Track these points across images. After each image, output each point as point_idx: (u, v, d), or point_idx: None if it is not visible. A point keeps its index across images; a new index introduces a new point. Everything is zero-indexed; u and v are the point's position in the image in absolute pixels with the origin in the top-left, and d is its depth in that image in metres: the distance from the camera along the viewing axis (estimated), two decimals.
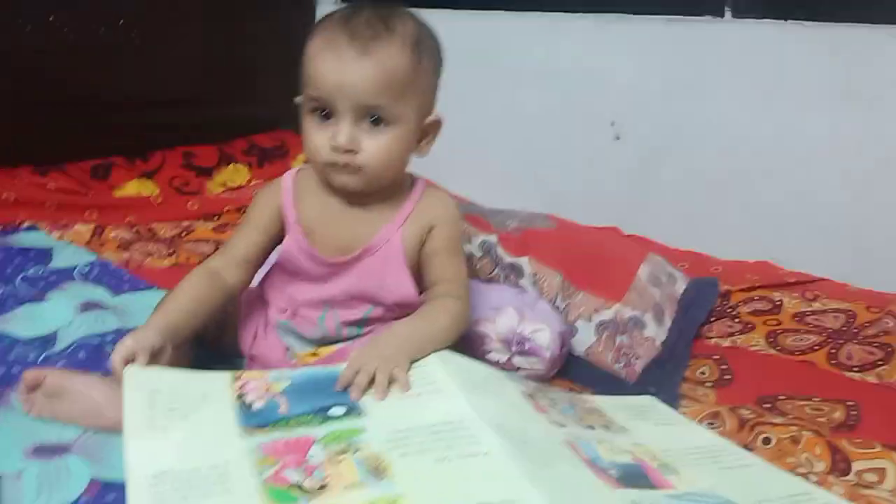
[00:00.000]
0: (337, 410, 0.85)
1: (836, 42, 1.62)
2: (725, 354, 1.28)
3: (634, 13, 1.81)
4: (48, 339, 1.11)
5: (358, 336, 1.02)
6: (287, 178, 1.05)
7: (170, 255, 1.51)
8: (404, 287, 0.99)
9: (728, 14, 1.72)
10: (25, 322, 1.16)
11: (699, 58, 1.76)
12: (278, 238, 1.03)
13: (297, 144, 2.16)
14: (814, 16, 1.63)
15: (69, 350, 1.07)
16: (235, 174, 2.00)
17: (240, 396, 0.86)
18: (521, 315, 1.10)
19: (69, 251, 1.44)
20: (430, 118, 0.99)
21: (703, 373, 1.23)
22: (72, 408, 0.91)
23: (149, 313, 1.18)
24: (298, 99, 1.00)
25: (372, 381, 0.87)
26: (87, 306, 1.21)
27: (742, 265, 1.61)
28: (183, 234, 1.65)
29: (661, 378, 1.15)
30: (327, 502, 0.71)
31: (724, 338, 1.35)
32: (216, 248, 1.57)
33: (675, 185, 1.83)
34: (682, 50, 1.78)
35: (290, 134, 2.21)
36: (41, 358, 1.05)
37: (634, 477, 0.84)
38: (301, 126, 1.00)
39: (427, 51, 0.96)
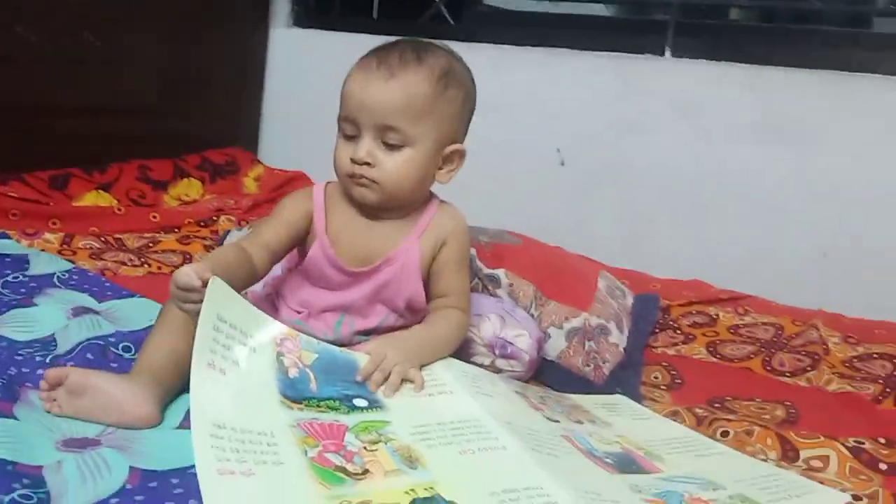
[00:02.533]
0: (361, 402, 0.92)
1: (762, 82, 1.79)
2: (672, 362, 1.41)
3: (582, 48, 1.95)
4: (47, 342, 1.13)
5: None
6: (318, 189, 1.11)
7: (141, 264, 1.54)
8: (418, 295, 1.08)
9: (668, 53, 1.88)
10: (19, 326, 1.17)
11: (640, 92, 1.91)
12: (301, 240, 1.10)
13: (248, 162, 2.22)
14: (745, 58, 1.80)
15: (76, 352, 1.10)
16: (189, 188, 2.04)
17: (279, 356, 0.91)
18: (503, 321, 1.19)
19: (44, 258, 1.44)
20: (453, 147, 1.08)
21: (656, 377, 1.34)
22: (94, 405, 0.94)
23: (139, 319, 1.24)
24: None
25: (387, 379, 0.96)
26: (78, 311, 1.24)
27: (677, 283, 1.75)
28: (150, 245, 1.67)
29: (624, 380, 1.27)
30: (372, 486, 0.79)
31: (669, 347, 1.48)
32: (184, 259, 1.62)
33: (615, 209, 1.96)
34: (624, 84, 1.92)
35: (240, 151, 2.26)
36: (49, 359, 1.08)
37: (627, 463, 0.95)
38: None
39: (455, 83, 1.06)
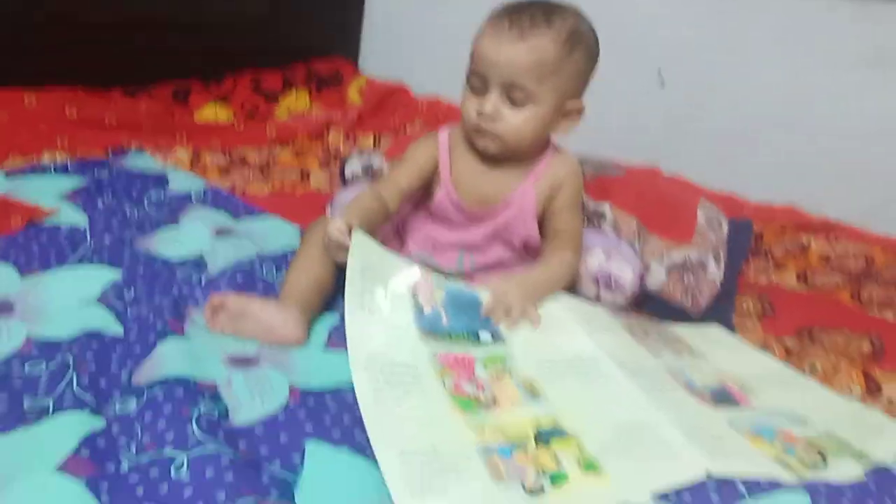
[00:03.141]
0: (486, 336, 1.04)
1: (867, 13, 1.77)
2: (764, 290, 1.48)
3: None
4: (198, 263, 1.26)
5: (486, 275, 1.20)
6: (443, 136, 1.21)
7: (266, 181, 1.66)
8: (533, 235, 1.18)
9: None
10: (169, 244, 1.30)
11: (743, 13, 1.91)
12: (428, 182, 1.20)
13: (350, 72, 2.30)
14: None
15: (228, 275, 1.23)
16: (297, 100, 2.13)
17: (414, 295, 1.03)
18: (608, 255, 1.28)
19: (180, 176, 1.57)
20: (572, 104, 1.15)
21: (747, 307, 1.42)
22: (251, 327, 1.07)
23: (275, 239, 1.37)
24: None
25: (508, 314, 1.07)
26: (220, 231, 1.36)
27: (771, 209, 1.80)
28: (269, 163, 1.79)
29: (719, 312, 1.35)
30: (501, 415, 0.90)
31: (762, 274, 1.55)
32: (302, 176, 1.73)
33: (712, 132, 1.99)
34: (728, 4, 1.92)
35: (342, 60, 2.33)
36: (203, 281, 1.21)
37: (724, 397, 1.05)
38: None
39: (580, 45, 1.12)
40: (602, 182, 1.45)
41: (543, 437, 0.87)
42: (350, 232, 1.01)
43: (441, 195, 1.18)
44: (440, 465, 0.79)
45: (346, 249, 1.00)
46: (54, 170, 1.51)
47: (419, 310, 1.02)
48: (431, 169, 1.19)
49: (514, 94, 1.10)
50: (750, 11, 1.90)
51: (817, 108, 1.87)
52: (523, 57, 1.08)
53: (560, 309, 1.11)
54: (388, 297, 1.00)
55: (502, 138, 1.12)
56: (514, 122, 1.11)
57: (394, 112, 2.20)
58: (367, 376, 0.88)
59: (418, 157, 1.19)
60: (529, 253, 1.21)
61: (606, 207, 1.39)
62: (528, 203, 1.17)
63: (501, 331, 1.05)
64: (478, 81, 1.12)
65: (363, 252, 0.99)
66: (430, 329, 1.00)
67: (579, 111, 1.17)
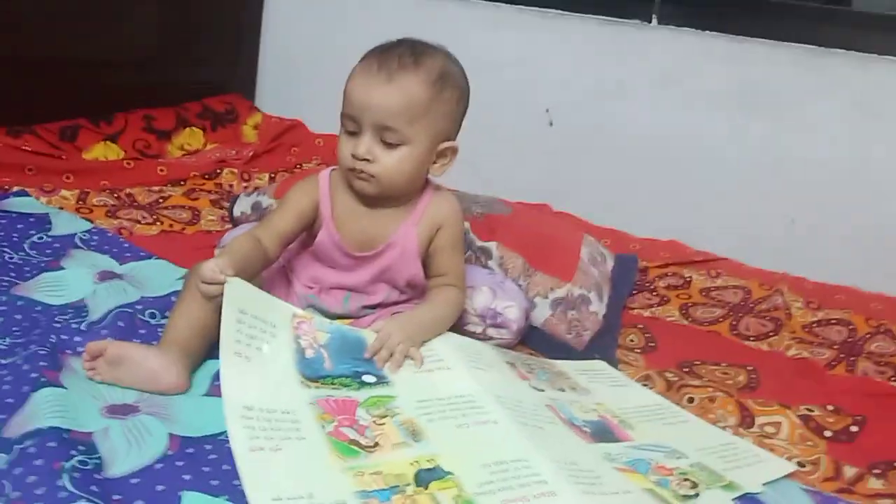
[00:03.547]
0: (369, 378, 1.05)
1: (742, 54, 1.88)
2: (647, 324, 1.53)
3: (573, 11, 2.01)
4: (79, 308, 1.23)
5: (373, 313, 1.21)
6: (324, 177, 1.21)
7: (154, 222, 1.64)
8: (417, 275, 1.20)
9: (655, 20, 1.95)
10: (51, 290, 1.27)
11: (627, 57, 1.99)
12: (309, 225, 1.20)
13: (246, 109, 2.29)
14: (728, 29, 1.88)
15: (107, 319, 1.20)
16: (192, 137, 2.11)
17: (296, 338, 1.03)
18: (494, 293, 1.31)
19: (64, 217, 1.54)
20: (446, 144, 1.17)
21: (631, 340, 1.47)
22: (130, 374, 1.05)
23: (161, 283, 1.35)
24: None
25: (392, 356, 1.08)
26: (104, 275, 1.34)
27: (655, 243, 1.87)
28: (160, 201, 1.77)
29: (602, 346, 1.39)
30: (382, 458, 0.91)
31: (645, 309, 1.60)
32: (193, 216, 1.72)
33: (599, 171, 2.06)
34: (613, 49, 2.00)
35: (238, 98, 2.32)
36: (84, 325, 1.19)
37: (602, 432, 1.08)
38: None
39: (449, 85, 1.15)
40: (490, 220, 1.48)
41: (422, 479, 0.88)
42: (224, 277, 1.00)
43: (323, 236, 1.18)
44: None
45: (218, 289, 0.99)
46: None
47: (301, 353, 1.02)
48: (312, 211, 1.19)
49: (386, 136, 1.12)
50: (631, 54, 1.99)
51: (697, 147, 1.96)
52: (392, 99, 1.10)
53: (444, 348, 1.13)
54: (267, 341, 1.00)
55: (378, 179, 1.13)
56: (388, 163, 1.13)
57: (290, 149, 2.20)
58: (243, 424, 0.88)
59: (298, 200, 1.20)
60: (415, 291, 1.23)
61: (493, 246, 1.43)
62: (410, 244, 1.19)
63: (385, 372, 1.06)
64: (350, 124, 1.13)
65: (239, 297, 0.99)
66: (312, 373, 1.01)
67: (454, 151, 1.19)
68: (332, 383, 1.01)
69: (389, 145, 1.12)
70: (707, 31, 1.90)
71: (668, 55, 1.95)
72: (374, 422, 0.97)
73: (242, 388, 0.92)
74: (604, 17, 1.99)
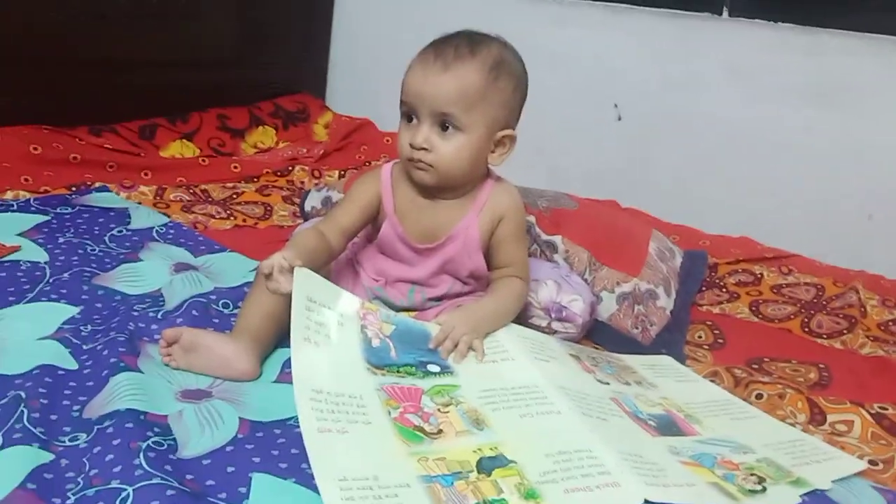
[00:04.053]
0: (434, 367, 1.06)
1: (817, 46, 1.83)
2: (716, 321, 1.51)
3: (641, 5, 2.00)
4: (156, 298, 1.28)
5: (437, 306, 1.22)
6: (386, 171, 1.23)
7: (227, 217, 1.69)
8: (479, 266, 1.21)
9: (725, 13, 1.93)
10: (130, 280, 1.32)
11: (697, 50, 1.97)
12: (372, 218, 1.22)
13: (317, 108, 2.33)
14: (801, 20, 1.84)
15: (182, 309, 1.25)
16: (264, 136, 2.16)
17: (363, 328, 1.05)
18: (559, 287, 1.31)
19: (143, 212, 1.59)
20: (504, 132, 1.18)
21: (699, 336, 1.46)
22: (204, 361, 1.09)
23: (233, 275, 1.39)
24: None
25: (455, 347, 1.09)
26: (179, 267, 1.38)
27: (726, 240, 1.84)
28: (233, 196, 1.81)
29: (670, 342, 1.38)
30: (445, 444, 0.92)
31: (714, 305, 1.58)
32: (265, 211, 1.76)
33: (668, 164, 2.04)
34: (682, 42, 1.98)
35: (309, 97, 2.37)
36: (160, 314, 1.23)
37: (668, 426, 1.07)
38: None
39: (505, 74, 1.15)
40: (555, 214, 1.48)
41: (485, 466, 0.89)
42: (292, 269, 1.02)
43: (387, 229, 1.20)
44: (380, 492, 0.81)
45: (286, 286, 1.01)
46: (17, 207, 1.52)
47: (367, 342, 1.04)
48: (374, 205, 1.22)
49: (443, 124, 1.13)
50: (703, 45, 1.96)
51: (770, 140, 1.92)
52: (449, 86, 1.11)
53: (508, 339, 1.14)
54: (335, 329, 1.02)
55: (436, 168, 1.15)
56: (446, 151, 1.14)
57: (359, 147, 2.23)
58: (312, 406, 0.90)
59: (360, 194, 1.22)
60: (479, 282, 1.24)
61: (558, 240, 1.43)
62: (471, 235, 1.20)
63: (450, 362, 1.07)
64: (408, 114, 1.15)
65: (307, 286, 1.02)
66: (378, 361, 1.03)
67: (512, 140, 1.19)
68: (398, 371, 1.03)
69: (446, 134, 1.13)
70: (780, 23, 1.86)
71: (740, 47, 1.92)
72: (438, 410, 0.98)
73: (312, 372, 0.94)
74: (674, 10, 1.97)
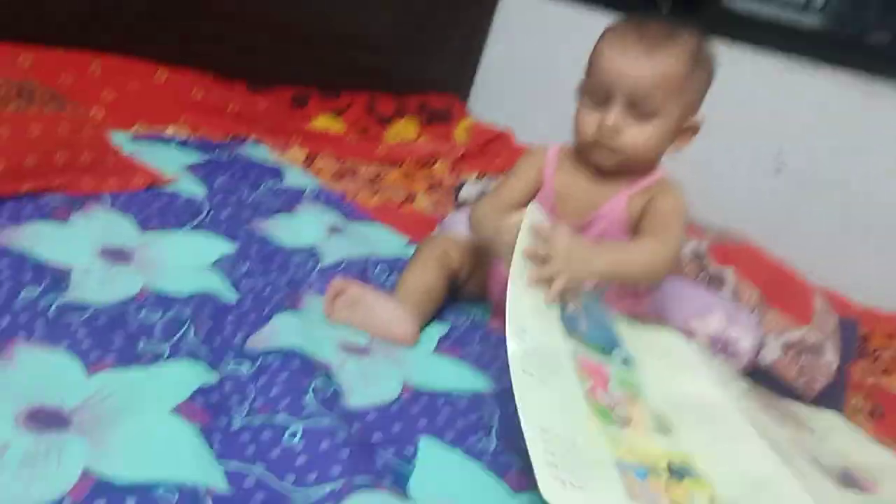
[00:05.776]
0: (618, 355, 0.99)
1: None
2: (871, 391, 1.42)
3: (819, 60, 1.93)
4: (311, 252, 1.24)
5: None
6: (552, 150, 1.18)
7: (374, 193, 1.65)
8: None
9: None
10: (285, 231, 1.29)
11: (874, 117, 1.88)
12: (535, 193, 1.17)
13: (460, 112, 2.31)
14: None
15: (341, 267, 1.21)
16: (406, 128, 2.14)
17: None
18: (730, 320, 1.23)
19: (295, 173, 1.56)
20: (692, 121, 1.12)
21: (855, 403, 1.36)
22: (366, 317, 1.05)
23: (385, 246, 1.35)
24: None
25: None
26: (332, 229, 1.35)
27: (877, 315, 1.74)
28: (380, 175, 1.78)
29: (831, 399, 1.29)
30: (635, 437, 0.85)
31: (868, 376, 1.49)
32: (408, 195, 1.72)
33: (824, 225, 1.95)
34: (859, 105, 1.89)
35: (455, 99, 2.34)
36: (317, 269, 1.19)
37: (849, 480, 0.98)
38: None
39: (702, 64, 1.09)
40: (724, 248, 1.40)
41: (677, 472, 0.82)
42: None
43: (543, 205, 1.14)
44: (579, 462, 0.75)
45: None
46: (177, 143, 1.51)
47: (564, 305, 0.97)
48: (538, 182, 1.17)
49: (639, 109, 1.07)
50: (876, 100, 1.87)
51: None
52: (654, 69, 1.05)
53: (688, 349, 1.07)
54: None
55: (623, 152, 1.08)
56: (637, 136, 1.07)
57: (496, 156, 2.19)
58: (518, 343, 0.84)
59: (523, 170, 1.18)
60: None
61: (729, 273, 1.35)
62: (619, 214, 1.12)
63: (631, 357, 1.00)
64: (598, 94, 1.08)
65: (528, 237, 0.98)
66: (571, 327, 0.96)
67: (695, 130, 1.13)
68: (587, 346, 0.96)
69: (640, 118, 1.07)
70: None
71: None
72: (625, 399, 0.91)
73: (520, 307, 0.88)
74: (852, 70, 1.89)
